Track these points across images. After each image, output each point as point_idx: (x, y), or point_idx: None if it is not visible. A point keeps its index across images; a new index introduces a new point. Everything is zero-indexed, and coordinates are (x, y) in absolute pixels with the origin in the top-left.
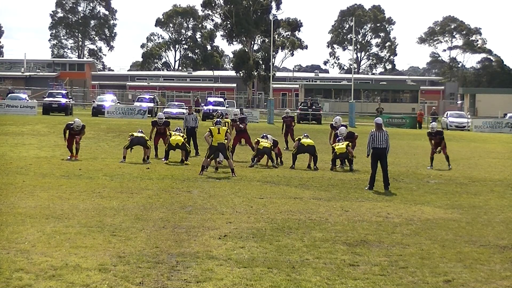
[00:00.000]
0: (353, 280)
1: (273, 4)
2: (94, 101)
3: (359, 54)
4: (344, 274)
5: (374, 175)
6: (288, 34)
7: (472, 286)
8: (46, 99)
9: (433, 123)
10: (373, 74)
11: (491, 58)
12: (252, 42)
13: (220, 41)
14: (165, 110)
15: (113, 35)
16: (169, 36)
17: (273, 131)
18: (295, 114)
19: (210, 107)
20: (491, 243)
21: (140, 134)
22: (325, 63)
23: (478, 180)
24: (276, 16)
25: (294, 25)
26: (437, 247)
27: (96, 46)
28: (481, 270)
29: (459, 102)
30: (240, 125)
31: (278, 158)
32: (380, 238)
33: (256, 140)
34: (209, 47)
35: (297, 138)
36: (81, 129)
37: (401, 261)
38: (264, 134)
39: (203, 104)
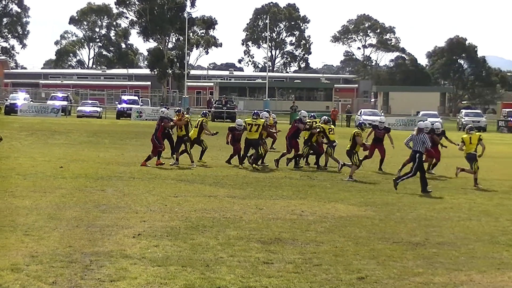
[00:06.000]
0: (268, 278)
1: (188, 2)
2: (6, 99)
3: (273, 52)
4: (259, 272)
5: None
6: (203, 32)
7: (385, 282)
8: None
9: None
10: (288, 72)
11: (405, 56)
12: (167, 40)
13: (135, 39)
14: (79, 108)
15: (26, 32)
16: (83, 34)
17: None
18: (209, 112)
19: (124, 105)
20: (404, 240)
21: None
22: (240, 61)
23: (391, 178)
24: (191, 14)
25: (209, 23)
26: (350, 244)
27: (9, 44)
28: (394, 266)
29: (372, 100)
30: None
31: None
32: (294, 235)
33: None
34: (123, 45)
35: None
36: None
37: (315, 259)
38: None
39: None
